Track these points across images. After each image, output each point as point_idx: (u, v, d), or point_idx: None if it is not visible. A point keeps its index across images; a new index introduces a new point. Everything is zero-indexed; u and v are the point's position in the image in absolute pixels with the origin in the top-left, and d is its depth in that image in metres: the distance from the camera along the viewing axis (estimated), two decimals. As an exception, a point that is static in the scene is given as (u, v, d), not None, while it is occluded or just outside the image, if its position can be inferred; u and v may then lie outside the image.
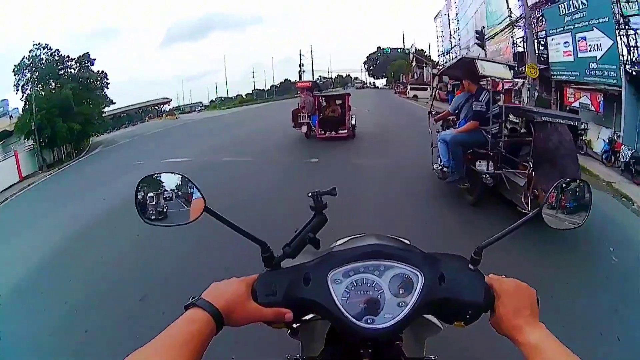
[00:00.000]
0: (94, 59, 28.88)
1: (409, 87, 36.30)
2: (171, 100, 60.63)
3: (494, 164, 5.10)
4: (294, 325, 0.93)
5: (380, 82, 74.78)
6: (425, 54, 47.23)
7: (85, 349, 3.25)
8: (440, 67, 19.76)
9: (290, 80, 68.86)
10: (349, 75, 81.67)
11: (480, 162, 5.19)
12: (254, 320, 0.81)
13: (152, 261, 4.86)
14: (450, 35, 33.96)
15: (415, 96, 33.25)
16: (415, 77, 44.77)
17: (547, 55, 13.19)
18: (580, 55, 10.86)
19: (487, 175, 5.11)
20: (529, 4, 14.18)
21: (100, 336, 3.35)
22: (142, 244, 5.31)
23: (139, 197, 0.92)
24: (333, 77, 78.63)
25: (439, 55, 40.49)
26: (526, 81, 13.67)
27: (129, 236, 5.54)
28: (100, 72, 30.16)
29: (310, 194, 0.96)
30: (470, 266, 0.89)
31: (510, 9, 17.28)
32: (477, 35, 16.70)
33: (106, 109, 32.78)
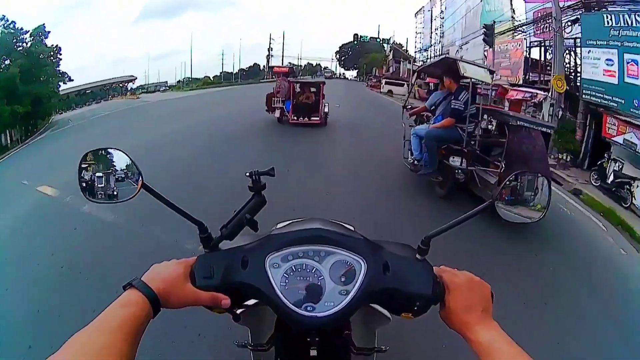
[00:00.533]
0: (49, 32, 25.44)
1: (383, 81, 34.96)
2: (136, 78, 57.38)
3: (467, 160, 5.27)
4: (237, 311, 0.91)
5: (351, 74, 74.18)
6: (402, 49, 46.37)
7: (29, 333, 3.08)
8: (420, 64, 19.83)
9: (258, 65, 67.72)
10: (318, 64, 80.00)
11: (453, 157, 5.35)
12: (191, 304, 0.79)
13: (96, 245, 4.60)
14: (431, 32, 33.78)
15: (390, 91, 31.88)
16: (391, 71, 43.68)
17: (575, 68, 11.40)
18: (628, 80, 8.83)
19: (460, 171, 5.27)
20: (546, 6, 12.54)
21: (44, 321, 3.19)
22: (83, 229, 5.01)
23: (82, 173, 0.90)
24: (303, 64, 76.49)
25: (416, 52, 40.25)
26: (549, 95, 11.65)
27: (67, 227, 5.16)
28: (54, 46, 26.97)
29: (248, 174, 0.91)
30: (418, 256, 0.87)
31: (513, 9, 16.43)
32: (486, 31, 15.39)
33: (69, 86, 30.98)
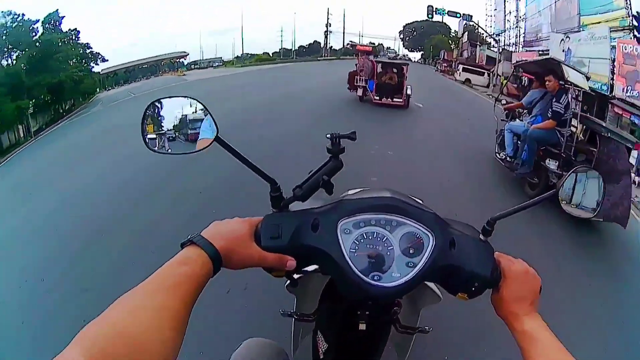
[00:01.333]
0: (63, 17, 24.62)
1: (460, 67, 30.26)
2: (188, 54, 56.66)
3: (562, 164, 5.41)
4: (295, 276, 0.90)
5: (414, 56, 68.64)
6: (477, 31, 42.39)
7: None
8: (500, 50, 18.71)
9: (319, 43, 64.54)
10: (381, 44, 74.20)
11: (550, 160, 5.54)
12: (254, 265, 0.78)
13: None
14: (505, 15, 31.07)
15: (467, 80, 27.54)
16: (465, 55, 38.92)
17: None
18: None
19: (554, 174, 5.47)
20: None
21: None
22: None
23: (147, 121, 0.86)
24: (364, 43, 75.35)
25: (485, 37, 36.95)
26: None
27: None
28: (71, 30, 26.34)
29: (328, 135, 0.89)
30: (481, 237, 0.89)
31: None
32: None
33: (115, 63, 31.70)
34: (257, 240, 0.80)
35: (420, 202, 1.04)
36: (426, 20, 65.30)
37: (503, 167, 6.57)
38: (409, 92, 12.64)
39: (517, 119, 6.72)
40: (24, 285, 3.51)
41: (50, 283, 3.45)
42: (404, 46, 71.67)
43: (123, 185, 5.71)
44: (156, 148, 0.87)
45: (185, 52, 56.13)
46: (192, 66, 54.65)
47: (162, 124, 0.89)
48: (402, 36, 69.76)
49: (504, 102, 7.42)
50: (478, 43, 37.38)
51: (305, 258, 0.84)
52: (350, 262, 0.79)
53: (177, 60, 53.92)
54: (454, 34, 46.50)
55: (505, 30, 30.82)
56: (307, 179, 0.88)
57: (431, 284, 1.10)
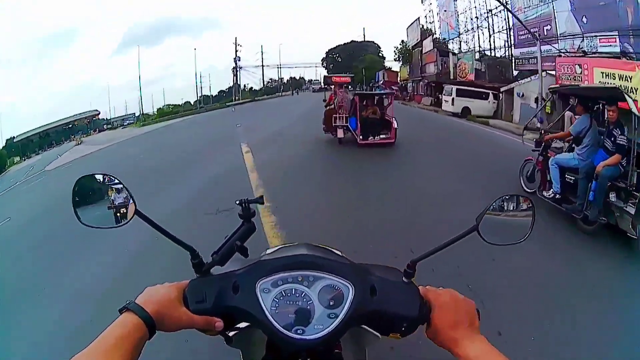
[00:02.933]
0: None
1: (452, 89, 21.63)
2: (99, 112, 54.92)
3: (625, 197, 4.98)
4: (230, 334, 0.96)
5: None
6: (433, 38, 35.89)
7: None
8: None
9: (238, 85, 61.97)
10: (302, 77, 73.48)
11: (616, 196, 5.08)
12: (185, 327, 0.84)
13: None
14: (457, 16, 29.30)
15: (465, 110, 20.49)
16: (433, 70, 31.28)
17: None
18: None
19: (618, 209, 4.98)
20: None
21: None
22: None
23: (76, 198, 0.92)
24: (284, 77, 69.31)
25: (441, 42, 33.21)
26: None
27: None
28: None
29: (238, 202, 0.98)
30: (404, 279, 0.92)
31: None
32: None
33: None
34: (185, 304, 0.85)
35: (339, 253, 1.11)
36: (351, 42, 64.20)
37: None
38: (395, 124, 11.53)
39: (552, 149, 6.34)
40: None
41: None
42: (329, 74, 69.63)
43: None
44: (86, 222, 0.91)
45: (96, 110, 53.10)
46: (105, 125, 52.15)
47: (89, 199, 0.95)
48: (324, 64, 67.25)
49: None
50: (450, 53, 29.69)
51: (233, 317, 0.90)
52: (272, 319, 0.84)
53: (89, 121, 50.54)
54: (400, 46, 42.30)
55: (461, 33, 29.10)
56: (222, 244, 0.96)
57: (367, 327, 1.02)
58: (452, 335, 0.80)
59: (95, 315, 3.47)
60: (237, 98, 52.58)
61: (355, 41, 60.58)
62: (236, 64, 54.65)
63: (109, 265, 5.00)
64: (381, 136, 11.66)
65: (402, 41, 43.18)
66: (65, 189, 0.95)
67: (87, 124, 50.99)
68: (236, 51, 55.99)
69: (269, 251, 1.11)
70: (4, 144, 43.14)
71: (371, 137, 11.60)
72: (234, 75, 55.35)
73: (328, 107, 12.60)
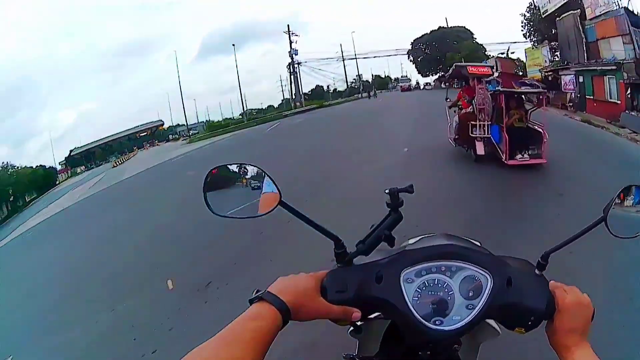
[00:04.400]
0: None
1: None
2: (163, 123, 55.33)
3: None
4: (359, 324, 0.95)
5: (426, 81, 55.07)
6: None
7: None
8: None
9: (321, 87, 56.47)
10: (388, 75, 63.95)
11: None
12: (321, 317, 0.83)
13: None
14: None
15: None
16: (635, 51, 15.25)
17: None
18: None
19: None
20: None
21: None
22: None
23: (209, 187, 0.91)
24: (370, 77, 60.64)
25: None
26: None
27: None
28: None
29: (387, 191, 0.96)
30: (537, 271, 0.93)
31: None
32: None
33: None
34: (322, 294, 0.85)
35: (478, 244, 1.09)
36: (439, 29, 52.44)
37: None
38: (546, 136, 7.93)
39: None
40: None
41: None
42: (417, 69, 56.57)
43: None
44: (220, 213, 0.91)
45: (160, 120, 53.43)
46: (170, 136, 52.09)
47: (224, 189, 0.95)
48: (410, 57, 56.05)
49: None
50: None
51: (370, 307, 0.90)
52: (413, 309, 0.84)
53: (154, 130, 50.63)
54: (527, 13, 26.89)
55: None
56: (369, 233, 0.95)
57: (490, 320, 1.06)
58: (566, 341, 0.81)
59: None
60: (297, 104, 41.89)
61: (443, 27, 50.25)
62: (292, 59, 39.77)
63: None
64: (529, 152, 8.01)
65: (532, 4, 26.39)
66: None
67: (150, 134, 52.69)
68: (290, 42, 42.44)
69: (411, 241, 1.08)
70: (66, 156, 47.99)
71: (519, 155, 7.96)
72: (290, 74, 42.87)
73: (463, 111, 9.06)
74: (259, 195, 0.90)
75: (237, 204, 0.92)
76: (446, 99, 10.12)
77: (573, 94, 19.52)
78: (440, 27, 51.60)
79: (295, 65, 44.45)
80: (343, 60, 51.97)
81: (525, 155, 7.99)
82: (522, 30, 27.92)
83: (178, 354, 0.63)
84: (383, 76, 64.31)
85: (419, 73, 56.18)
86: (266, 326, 0.71)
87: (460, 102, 9.40)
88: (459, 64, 9.74)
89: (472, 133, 8.24)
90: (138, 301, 4.91)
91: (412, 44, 54.89)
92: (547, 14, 23.55)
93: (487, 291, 0.85)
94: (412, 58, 55.51)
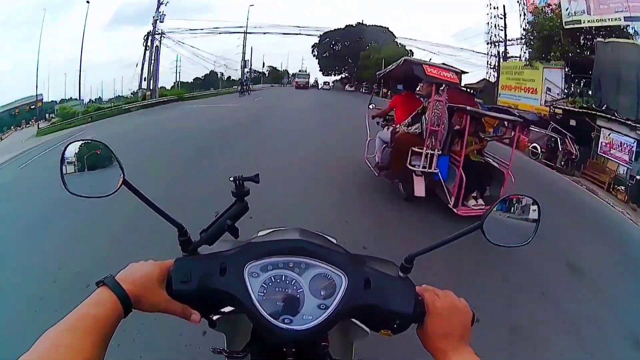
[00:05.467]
0: None
1: None
2: (42, 98, 45.05)
3: None
4: (214, 317, 0.95)
5: (326, 80, 49.92)
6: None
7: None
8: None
9: (215, 73, 43.39)
10: (286, 69, 54.04)
11: None
12: (162, 311, 0.82)
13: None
14: None
15: None
16: None
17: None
18: None
19: None
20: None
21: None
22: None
23: (64, 164, 0.90)
24: (261, 69, 50.43)
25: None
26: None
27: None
28: None
29: (231, 179, 0.94)
30: (400, 274, 0.91)
31: None
32: None
33: None
34: (168, 284, 0.84)
35: (334, 240, 1.11)
36: (357, 25, 46.68)
37: None
38: (511, 179, 5.59)
39: None
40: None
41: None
42: (319, 66, 49.10)
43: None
44: (73, 190, 0.90)
45: (40, 95, 40.87)
46: (47, 114, 40.76)
47: (76, 166, 0.94)
48: (316, 52, 48.60)
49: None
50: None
51: (217, 300, 0.89)
52: (258, 305, 0.82)
53: (31, 107, 41.30)
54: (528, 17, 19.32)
55: None
56: (212, 222, 0.95)
57: (356, 321, 1.06)
58: (441, 344, 0.80)
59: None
60: (147, 94, 27.45)
61: (363, 24, 44.55)
62: (154, 27, 24.90)
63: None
64: (484, 198, 5.70)
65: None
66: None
67: (28, 112, 43.26)
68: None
69: (261, 233, 1.09)
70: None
71: (472, 201, 5.55)
72: (145, 49, 26.75)
73: (401, 129, 6.08)
74: (107, 174, 0.90)
75: (89, 181, 0.92)
76: (369, 104, 7.17)
77: (627, 169, 11.80)
78: (359, 24, 46.45)
79: (157, 37, 27.67)
80: (246, 33, 40.67)
81: (481, 202, 5.53)
82: (522, 38, 19.45)
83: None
84: (280, 69, 55.45)
85: (320, 70, 50.21)
86: (105, 313, 0.70)
87: (394, 113, 6.60)
88: (411, 58, 6.39)
89: (410, 164, 5.48)
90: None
91: (320, 37, 47.57)
92: (574, 25, 15.41)
93: (341, 291, 0.83)
94: (316, 53, 48.59)
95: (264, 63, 54.30)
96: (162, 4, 27.49)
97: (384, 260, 0.96)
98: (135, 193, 0.86)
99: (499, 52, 21.20)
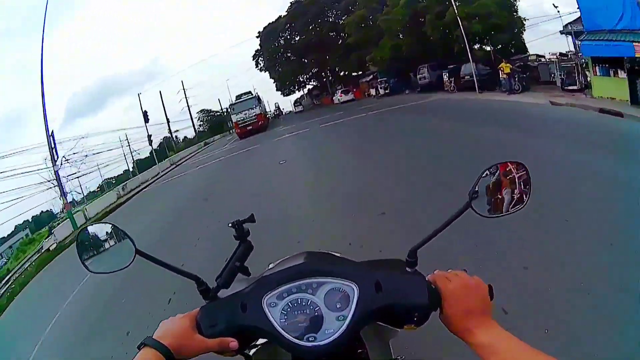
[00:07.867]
0: None
1: None
2: None
3: None
4: (250, 353, 1.02)
5: (292, 99, 37.90)
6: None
7: None
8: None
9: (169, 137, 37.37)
10: (227, 108, 43.55)
11: None
12: (202, 352, 0.87)
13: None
14: None
15: None
16: None
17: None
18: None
19: None
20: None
21: None
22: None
23: (80, 248, 0.99)
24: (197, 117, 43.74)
25: None
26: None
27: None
28: None
29: (230, 224, 1.03)
30: (408, 269, 0.95)
31: None
32: None
33: None
34: (199, 331, 0.90)
35: (339, 254, 1.19)
36: None
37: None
38: None
39: None
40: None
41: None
42: (274, 81, 39.85)
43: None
44: (93, 269, 0.99)
45: None
46: None
47: (92, 247, 1.02)
48: (261, 62, 38.89)
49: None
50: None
51: (247, 336, 0.93)
52: (282, 331, 0.87)
53: None
54: None
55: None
56: (224, 267, 1.02)
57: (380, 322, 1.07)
58: (464, 324, 0.81)
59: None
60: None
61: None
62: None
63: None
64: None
65: None
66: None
67: None
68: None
69: (270, 266, 1.19)
70: None
71: None
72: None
73: None
74: (121, 249, 0.97)
75: (106, 258, 0.99)
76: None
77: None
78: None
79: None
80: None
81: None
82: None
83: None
84: (221, 108, 40.32)
85: (278, 90, 37.60)
86: None
87: None
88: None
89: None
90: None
91: (259, 36, 34.86)
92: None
93: (354, 300, 0.86)
94: (262, 64, 35.45)
95: (190, 115, 43.27)
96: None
97: (390, 259, 1.02)
98: (150, 259, 0.95)
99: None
